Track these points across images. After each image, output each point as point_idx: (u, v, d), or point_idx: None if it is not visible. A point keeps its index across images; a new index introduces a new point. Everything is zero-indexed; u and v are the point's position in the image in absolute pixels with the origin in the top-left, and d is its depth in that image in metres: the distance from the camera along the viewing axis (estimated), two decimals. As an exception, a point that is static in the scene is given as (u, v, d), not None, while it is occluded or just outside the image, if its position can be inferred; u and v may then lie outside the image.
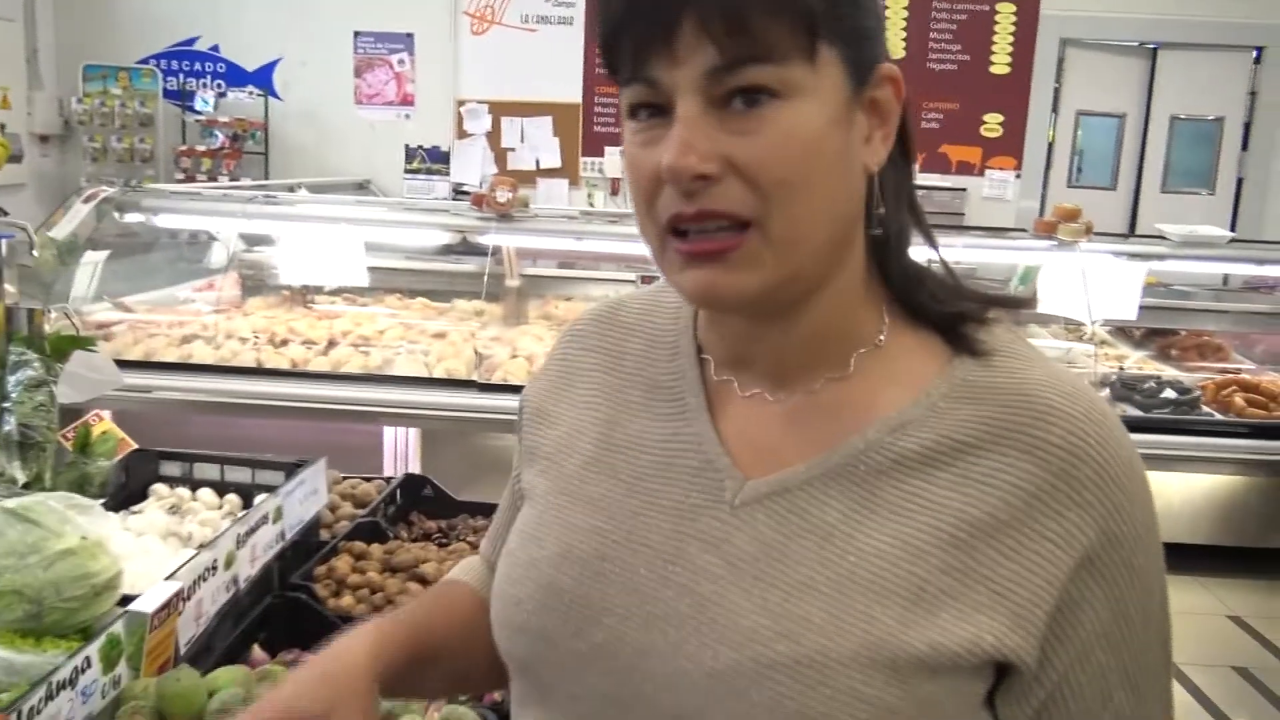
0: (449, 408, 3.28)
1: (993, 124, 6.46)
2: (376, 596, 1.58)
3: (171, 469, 1.75)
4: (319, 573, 1.62)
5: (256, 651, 1.41)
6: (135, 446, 1.72)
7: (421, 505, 2.08)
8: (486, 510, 2.09)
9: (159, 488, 1.70)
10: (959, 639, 0.65)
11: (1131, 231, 6.46)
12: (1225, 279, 4.86)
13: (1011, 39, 6.39)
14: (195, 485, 1.73)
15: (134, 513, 1.62)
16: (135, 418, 3.28)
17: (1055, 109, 6.54)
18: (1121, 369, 3.72)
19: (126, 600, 1.23)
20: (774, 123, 0.64)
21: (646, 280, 4.29)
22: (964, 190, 6.37)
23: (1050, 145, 6.59)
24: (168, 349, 3.36)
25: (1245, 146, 6.58)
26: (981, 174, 6.49)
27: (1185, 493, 3.50)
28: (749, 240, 0.65)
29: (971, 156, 6.47)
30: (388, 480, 2.10)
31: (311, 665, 0.77)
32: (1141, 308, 3.60)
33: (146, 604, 1.14)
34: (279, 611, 1.51)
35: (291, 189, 4.81)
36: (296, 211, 3.93)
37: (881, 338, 0.73)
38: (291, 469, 1.68)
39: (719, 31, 0.62)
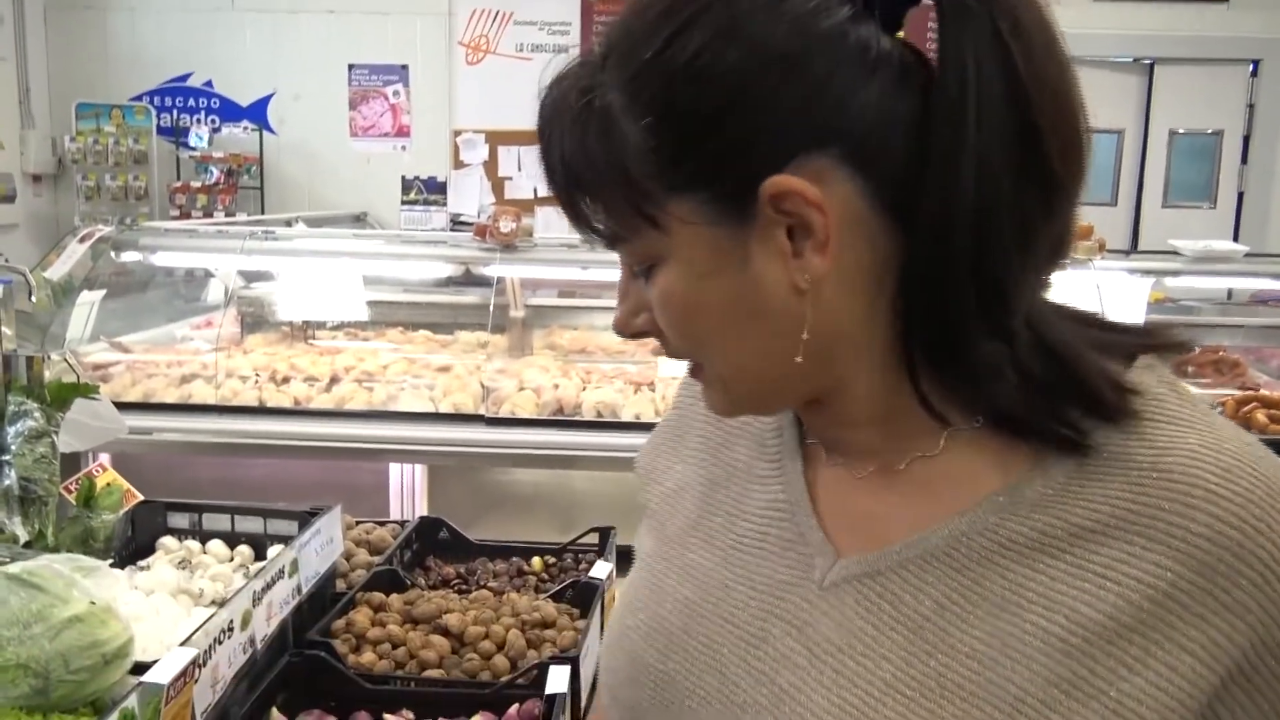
0: (456, 443, 3.21)
1: (992, 143, 6.42)
2: (399, 651, 1.49)
3: (179, 520, 1.68)
4: (337, 627, 1.54)
5: (275, 715, 1.33)
6: (140, 498, 1.65)
7: (438, 549, 2.00)
8: (505, 552, 2.02)
9: (167, 541, 1.63)
10: None
11: (1134, 247, 6.42)
12: (1229, 293, 4.82)
13: (1009, 57, 6.36)
14: (205, 537, 1.65)
15: (141, 569, 1.54)
16: (136, 461, 3.20)
17: (1054, 126, 6.50)
18: (1139, 388, 3.65)
19: (139, 668, 1.15)
20: (657, 289, 0.64)
21: (653, 308, 4.23)
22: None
23: (1049, 163, 6.54)
24: (167, 389, 3.30)
25: (1245, 159, 6.56)
26: (981, 193, 6.45)
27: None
28: (702, 371, 0.67)
29: (970, 176, 6.43)
30: (402, 524, 2.02)
31: None
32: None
33: (161, 674, 1.07)
34: (297, 671, 1.44)
35: (288, 223, 4.75)
36: (295, 246, 3.88)
37: (979, 421, 0.63)
38: (305, 518, 1.61)
39: (583, 222, 0.64)
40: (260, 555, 1.64)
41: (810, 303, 0.60)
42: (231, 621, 1.26)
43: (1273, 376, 3.99)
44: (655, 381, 3.49)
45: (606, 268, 4.00)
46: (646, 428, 3.41)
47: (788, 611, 0.66)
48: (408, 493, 3.39)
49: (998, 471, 0.62)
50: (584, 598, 1.73)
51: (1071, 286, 3.39)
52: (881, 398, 0.64)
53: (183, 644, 1.14)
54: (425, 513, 3.49)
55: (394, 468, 3.41)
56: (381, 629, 1.53)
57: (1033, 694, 0.57)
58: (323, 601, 1.62)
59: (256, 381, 3.41)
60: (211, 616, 1.22)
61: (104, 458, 3.33)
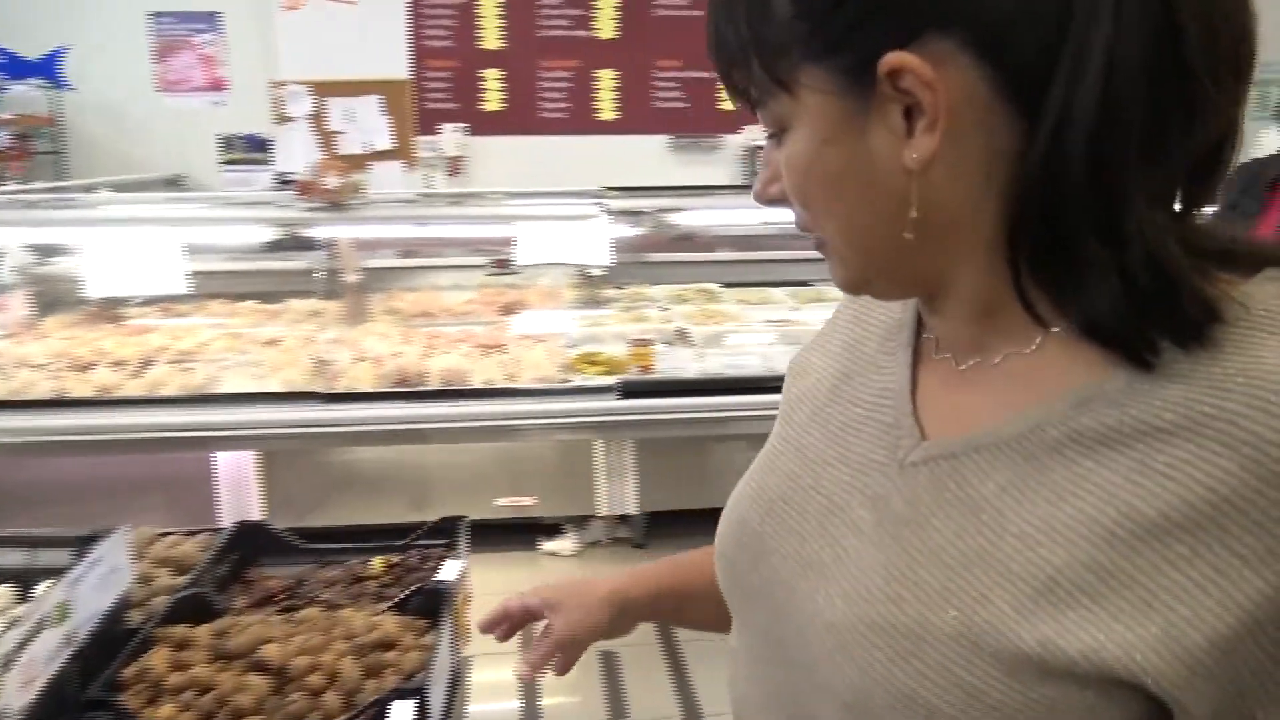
0: (290, 424, 2.91)
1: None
2: (206, 699, 1.24)
3: (-80, 559, 1.37)
4: (128, 676, 1.27)
5: (43, 803, 1.07)
6: None
7: (262, 556, 1.74)
8: (339, 553, 1.77)
9: (-97, 586, 1.32)
10: (1078, 643, 0.57)
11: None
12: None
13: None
14: (-45, 576, 1.35)
15: None
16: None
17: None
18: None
19: None
20: (785, 152, 0.67)
21: (500, 264, 3.97)
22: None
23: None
24: (-55, 386, 2.87)
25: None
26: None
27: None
28: (825, 244, 0.70)
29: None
30: (216, 532, 1.75)
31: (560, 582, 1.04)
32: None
33: None
34: (76, 737, 1.17)
35: (90, 190, 4.27)
36: (97, 215, 3.46)
37: (1070, 325, 0.63)
38: (82, 545, 1.32)
39: (731, 88, 0.69)
40: (29, 595, 1.35)
41: (917, 182, 0.62)
42: (-33, 699, 0.99)
43: None
44: (505, 343, 3.25)
45: (448, 224, 3.74)
46: (498, 394, 3.17)
47: (870, 487, 0.71)
48: (238, 486, 3.07)
49: (1085, 369, 0.62)
50: (432, 605, 1.51)
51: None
52: (984, 291, 0.66)
53: (-114, 746, 0.87)
54: (260, 506, 3.19)
55: (221, 457, 3.08)
56: (183, 673, 1.27)
57: (1068, 575, 0.58)
58: (112, 641, 1.35)
59: (54, 370, 3.02)
60: (-67, 699, 0.95)
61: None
